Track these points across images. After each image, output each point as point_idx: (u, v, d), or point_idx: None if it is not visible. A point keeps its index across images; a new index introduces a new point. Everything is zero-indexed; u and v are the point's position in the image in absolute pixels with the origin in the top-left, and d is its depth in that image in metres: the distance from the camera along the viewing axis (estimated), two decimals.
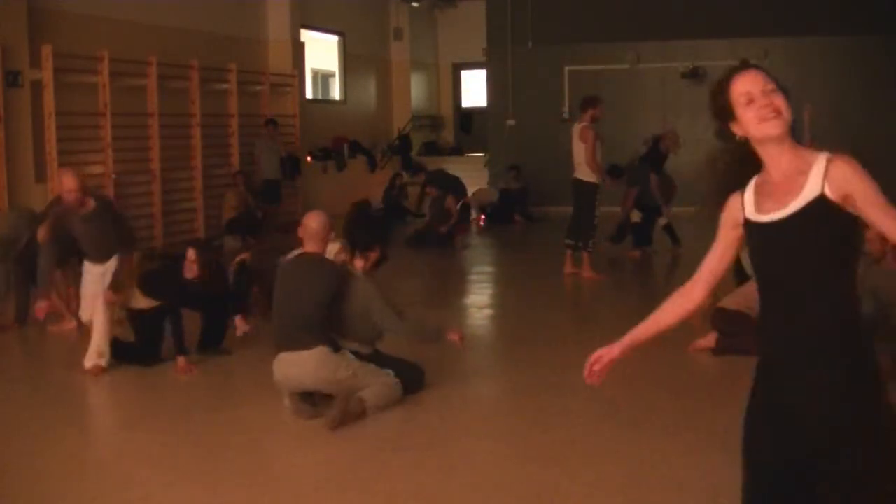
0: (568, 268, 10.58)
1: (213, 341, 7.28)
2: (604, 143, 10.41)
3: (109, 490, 4.73)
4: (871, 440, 2.63)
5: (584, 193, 10.26)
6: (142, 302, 6.92)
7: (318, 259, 6.00)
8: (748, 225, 2.78)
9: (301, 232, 6.08)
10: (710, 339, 7.19)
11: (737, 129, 2.78)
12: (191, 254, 6.97)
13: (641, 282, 11.09)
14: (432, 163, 19.11)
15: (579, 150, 10.16)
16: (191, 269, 6.92)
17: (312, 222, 6.04)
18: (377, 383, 5.77)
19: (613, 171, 11.74)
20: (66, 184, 7.25)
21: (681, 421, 5.65)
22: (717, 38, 16.96)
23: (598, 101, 10.39)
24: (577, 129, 10.30)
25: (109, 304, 6.87)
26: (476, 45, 19.10)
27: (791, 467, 2.71)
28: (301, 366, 5.71)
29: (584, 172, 10.19)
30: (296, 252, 6.13)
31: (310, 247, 6.02)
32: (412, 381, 6.07)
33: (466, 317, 8.66)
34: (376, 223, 8.09)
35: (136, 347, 6.99)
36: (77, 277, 7.81)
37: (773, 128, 2.69)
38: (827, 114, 16.97)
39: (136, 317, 7.00)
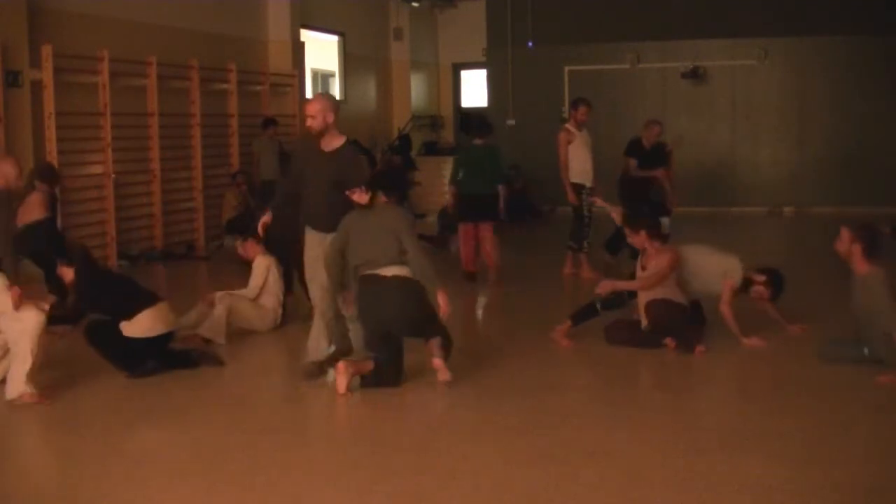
0: (567, 268, 10.60)
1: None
2: (591, 147, 10.33)
3: (110, 490, 4.73)
4: None
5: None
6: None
7: None
8: None
9: None
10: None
11: None
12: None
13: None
14: (432, 163, 19.09)
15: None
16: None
17: None
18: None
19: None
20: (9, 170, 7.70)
21: (681, 421, 5.65)
22: (717, 38, 16.99)
23: (580, 102, 10.35)
24: None
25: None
26: (476, 45, 19.11)
27: None
28: None
29: (573, 174, 10.25)
30: None
31: None
32: (390, 376, 6.16)
33: (466, 316, 8.66)
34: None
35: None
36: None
37: None
38: (827, 114, 17.02)
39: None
